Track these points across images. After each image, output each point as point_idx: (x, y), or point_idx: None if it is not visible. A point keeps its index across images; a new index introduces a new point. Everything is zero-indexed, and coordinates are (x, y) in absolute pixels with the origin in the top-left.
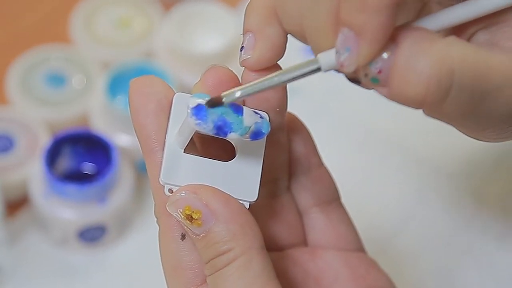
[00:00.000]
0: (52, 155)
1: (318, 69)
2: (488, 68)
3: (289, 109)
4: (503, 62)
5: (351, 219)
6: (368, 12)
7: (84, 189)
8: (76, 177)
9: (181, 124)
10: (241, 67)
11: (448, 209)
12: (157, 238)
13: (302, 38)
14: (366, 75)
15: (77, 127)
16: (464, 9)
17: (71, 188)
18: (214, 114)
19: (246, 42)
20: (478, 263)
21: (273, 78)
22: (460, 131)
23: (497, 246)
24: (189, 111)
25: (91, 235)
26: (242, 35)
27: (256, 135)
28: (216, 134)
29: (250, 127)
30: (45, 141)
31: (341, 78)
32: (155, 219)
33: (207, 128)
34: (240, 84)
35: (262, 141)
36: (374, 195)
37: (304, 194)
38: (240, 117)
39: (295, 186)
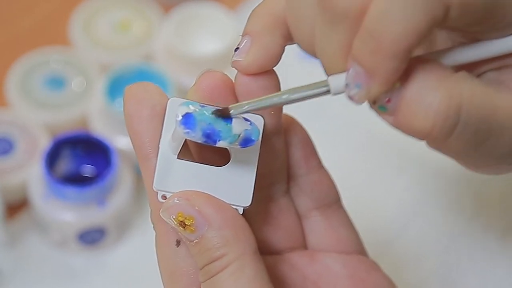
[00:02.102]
0: (52, 158)
1: (327, 92)
2: (495, 107)
3: (288, 111)
4: (509, 103)
5: (352, 222)
6: (382, 55)
7: (84, 192)
8: (76, 179)
9: (173, 131)
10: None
11: (448, 211)
12: (155, 239)
13: (313, 54)
14: (374, 102)
15: (77, 130)
16: (480, 49)
17: (71, 191)
18: (203, 123)
19: (242, 45)
20: (479, 265)
21: (282, 95)
22: (460, 164)
23: (497, 248)
24: (177, 119)
25: (91, 237)
26: (240, 36)
27: (246, 142)
28: (205, 142)
29: (239, 134)
30: (44, 143)
31: None
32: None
33: (196, 137)
34: (234, 89)
35: (256, 145)
36: (374, 198)
37: (303, 197)
38: (229, 125)
39: (294, 189)
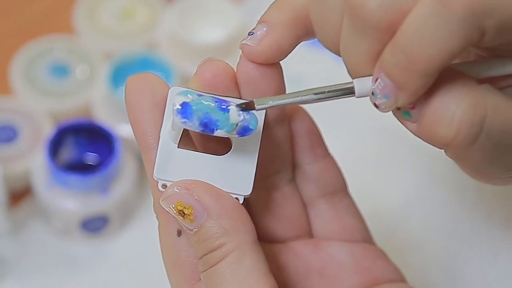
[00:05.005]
0: (55, 146)
1: (352, 94)
2: None
3: None
4: None
5: (359, 210)
6: (413, 73)
7: (87, 180)
8: (79, 167)
9: (173, 120)
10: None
11: (451, 199)
12: (158, 229)
13: (336, 53)
14: (398, 108)
15: (80, 118)
16: (507, 65)
17: (74, 179)
18: (200, 112)
19: (258, 31)
20: (481, 252)
21: (307, 94)
22: (473, 176)
23: (499, 235)
24: (174, 109)
25: (94, 225)
26: (256, 21)
27: (243, 131)
28: (202, 131)
29: (237, 124)
30: (48, 131)
31: (344, 67)
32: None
33: (193, 126)
34: (235, 78)
35: (258, 134)
36: (376, 185)
37: (308, 185)
38: (226, 114)
39: (299, 177)
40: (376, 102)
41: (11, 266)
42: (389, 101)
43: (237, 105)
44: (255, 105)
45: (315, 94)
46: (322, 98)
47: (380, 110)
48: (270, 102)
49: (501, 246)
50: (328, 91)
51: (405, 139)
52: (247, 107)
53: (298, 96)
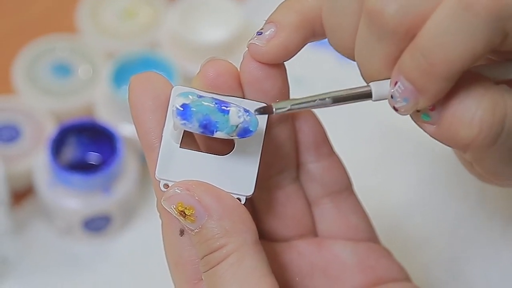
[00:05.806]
0: (57, 145)
1: (369, 97)
2: None
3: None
4: None
5: (364, 209)
6: (434, 77)
7: (89, 179)
8: (81, 166)
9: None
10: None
11: (454, 198)
12: (161, 228)
13: (349, 57)
14: (418, 110)
15: (83, 117)
16: None
17: (76, 178)
18: (200, 114)
19: (266, 32)
20: (484, 249)
21: (325, 98)
22: (484, 179)
23: (502, 233)
24: (174, 110)
25: (96, 224)
26: (264, 21)
27: (243, 133)
28: (202, 133)
29: (237, 125)
30: (50, 131)
31: (346, 68)
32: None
33: (193, 128)
34: (238, 77)
35: (260, 134)
36: (379, 184)
37: (313, 184)
38: (226, 116)
39: (303, 176)
40: (396, 106)
41: (13, 265)
42: (409, 104)
43: (255, 110)
44: (274, 109)
45: (333, 98)
46: (339, 102)
47: (399, 113)
48: (289, 106)
49: (504, 245)
50: (346, 95)
51: (408, 138)
52: (265, 111)
53: (315, 100)
